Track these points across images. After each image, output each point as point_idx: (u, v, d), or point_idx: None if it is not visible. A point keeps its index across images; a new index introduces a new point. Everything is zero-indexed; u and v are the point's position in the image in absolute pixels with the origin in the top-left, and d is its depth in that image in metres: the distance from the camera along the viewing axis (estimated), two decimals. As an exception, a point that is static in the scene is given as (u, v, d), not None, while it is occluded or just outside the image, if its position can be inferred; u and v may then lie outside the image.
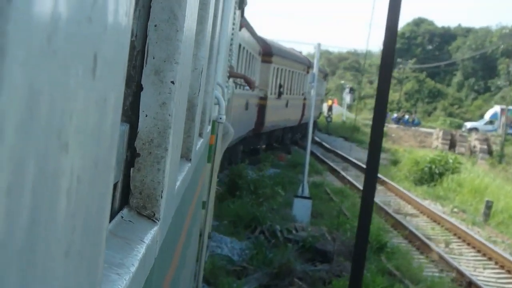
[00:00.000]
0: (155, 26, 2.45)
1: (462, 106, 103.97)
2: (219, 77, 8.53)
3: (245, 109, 26.55)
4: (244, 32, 24.50)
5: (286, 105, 38.31)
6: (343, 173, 34.56)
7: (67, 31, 0.85)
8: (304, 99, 44.36)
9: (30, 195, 0.78)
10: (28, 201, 0.78)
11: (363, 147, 48.10)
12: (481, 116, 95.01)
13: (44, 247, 0.87)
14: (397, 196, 30.07)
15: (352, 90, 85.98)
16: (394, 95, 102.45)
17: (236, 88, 22.41)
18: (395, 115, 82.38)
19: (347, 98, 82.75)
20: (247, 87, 25.20)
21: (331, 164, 37.60)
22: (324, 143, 51.15)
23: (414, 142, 65.22)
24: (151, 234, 2.29)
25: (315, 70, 23.38)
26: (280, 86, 36.01)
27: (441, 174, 35.15)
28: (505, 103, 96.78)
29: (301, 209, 20.79)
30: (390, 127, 71.89)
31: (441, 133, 63.75)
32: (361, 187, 25.50)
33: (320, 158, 39.97)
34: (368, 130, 68.37)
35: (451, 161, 36.31)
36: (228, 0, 9.14)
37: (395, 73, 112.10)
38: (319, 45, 23.07)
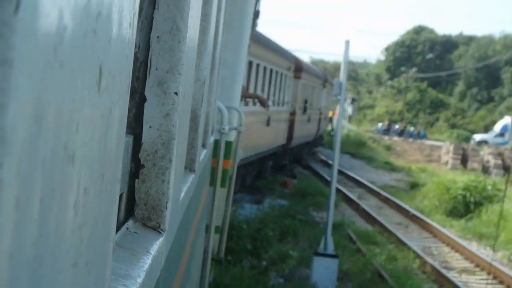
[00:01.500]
0: (158, 37, 2.46)
1: (465, 117, 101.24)
2: (236, 101, 8.49)
3: (267, 125, 26.52)
4: (271, 46, 24.77)
5: (308, 120, 38.12)
6: (363, 205, 27.98)
7: (72, 43, 0.85)
8: (320, 113, 44.47)
9: (38, 207, 0.78)
10: (36, 214, 0.78)
11: (374, 166, 45.48)
12: (485, 127, 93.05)
13: (52, 259, 0.87)
14: (436, 238, 23.86)
15: (354, 100, 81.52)
16: (395, 106, 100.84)
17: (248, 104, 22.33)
18: (396, 126, 78.88)
19: (349, 109, 78.18)
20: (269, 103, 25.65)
21: (344, 190, 30.88)
22: (330, 162, 44.80)
23: (421, 157, 61.68)
24: (157, 245, 2.29)
25: (342, 77, 16.29)
26: (306, 101, 36.35)
27: (478, 204, 29.16)
28: (510, 114, 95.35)
29: (324, 272, 15.98)
30: (394, 140, 69.22)
31: (451, 147, 58.76)
32: (392, 229, 22.64)
33: (327, 180, 31.72)
34: (374, 144, 63.54)
35: (489, 187, 30.28)
36: (245, 22, 9.10)
37: (395, 83, 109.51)
38: (347, 43, 14.67)
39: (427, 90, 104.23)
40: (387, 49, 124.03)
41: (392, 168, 46.14)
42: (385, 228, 23.38)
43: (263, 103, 14.08)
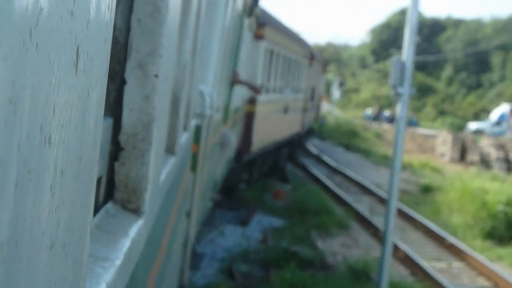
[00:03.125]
0: (138, 20, 2.45)
1: (454, 103, 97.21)
2: (208, 86, 8.43)
3: (284, 113, 26.46)
4: (291, 35, 24.82)
5: (313, 107, 37.78)
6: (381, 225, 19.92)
7: (49, 25, 0.85)
8: (319, 100, 43.66)
9: (13, 189, 0.79)
10: (11, 195, 0.78)
11: (373, 162, 39.75)
12: (475, 114, 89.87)
13: (28, 241, 0.87)
14: (488, 281, 17.01)
15: (342, 83, 74.32)
16: (382, 90, 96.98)
17: (267, 93, 22.15)
18: (387, 113, 72.90)
19: (337, 93, 71.23)
20: (288, 90, 25.68)
21: (351, 200, 23.62)
22: (323, 157, 37.62)
23: (413, 146, 56.71)
24: (136, 228, 2.30)
25: (407, 53, 12.53)
26: (313, 89, 36.24)
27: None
28: (502, 100, 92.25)
29: None
30: (384, 127, 64.24)
31: (450, 138, 52.74)
32: (433, 272, 15.61)
33: (329, 187, 26.12)
34: (367, 134, 57.70)
35: None
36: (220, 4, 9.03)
37: (380, 66, 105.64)
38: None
39: (414, 74, 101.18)
40: (372, 31, 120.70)
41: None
42: (421, 270, 16.47)
43: (255, 89, 13.92)
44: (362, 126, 61.78)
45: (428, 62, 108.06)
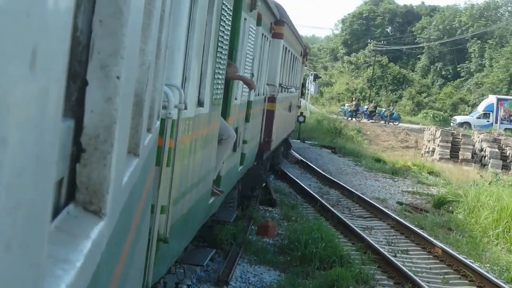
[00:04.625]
0: (100, 21, 2.44)
1: (430, 94, 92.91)
2: (176, 79, 8.44)
3: (289, 111, 26.41)
4: (294, 31, 24.71)
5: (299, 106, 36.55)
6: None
7: (4, 24, 0.85)
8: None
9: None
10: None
11: (367, 168, 34.40)
12: (454, 106, 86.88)
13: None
14: None
15: (317, 77, 68.67)
16: (356, 82, 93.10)
17: (281, 91, 22.11)
18: (365, 107, 68.34)
19: (312, 88, 64.36)
20: (292, 89, 25.50)
21: (360, 231, 17.95)
22: (308, 162, 31.41)
23: (395, 142, 53.22)
24: (98, 229, 2.29)
25: None
26: (303, 85, 35.83)
27: None
28: (481, 91, 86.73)
29: None
30: (364, 122, 61.32)
31: (438, 133, 47.80)
32: None
33: (325, 207, 20.55)
34: (352, 132, 52.74)
35: None
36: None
37: (352, 58, 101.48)
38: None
39: (389, 65, 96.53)
40: (343, 21, 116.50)
41: (391, 170, 34.40)
42: None
43: (250, 85, 13.84)
44: (341, 123, 56.76)
45: (402, 52, 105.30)
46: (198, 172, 10.32)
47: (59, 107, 1.30)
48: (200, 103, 9.74)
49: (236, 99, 13.56)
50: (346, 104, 70.72)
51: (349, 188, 24.71)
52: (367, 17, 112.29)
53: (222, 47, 11.04)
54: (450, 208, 23.74)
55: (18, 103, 0.96)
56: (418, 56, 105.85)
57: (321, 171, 29.29)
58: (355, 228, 18.06)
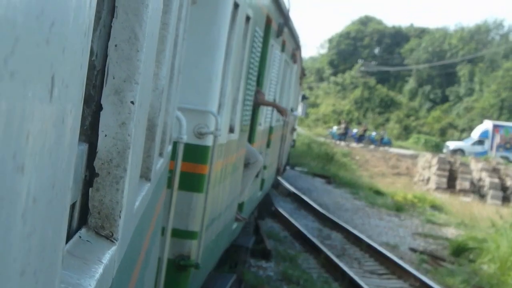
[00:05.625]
0: (116, 46, 2.46)
1: (418, 118, 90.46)
2: (213, 105, 8.51)
3: (291, 133, 26.28)
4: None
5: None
6: None
7: (24, 53, 0.86)
8: None
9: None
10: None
11: (367, 202, 30.79)
12: (442, 130, 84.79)
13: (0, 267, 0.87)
14: None
15: (305, 98, 68.01)
16: (343, 104, 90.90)
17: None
18: (354, 130, 65.87)
19: (300, 109, 62.03)
20: (295, 112, 25.25)
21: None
22: (302, 196, 27.45)
23: (386, 168, 50.10)
24: (109, 254, 2.29)
25: None
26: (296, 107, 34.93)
27: None
28: (470, 115, 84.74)
29: None
30: (353, 146, 58.85)
31: (434, 161, 45.35)
32: None
33: (330, 260, 16.63)
34: (344, 159, 48.99)
35: None
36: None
37: (339, 78, 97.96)
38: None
39: (376, 87, 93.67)
40: (330, 40, 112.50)
41: (395, 206, 30.56)
42: None
43: (282, 112, 13.79)
44: (333, 148, 53.74)
45: (390, 74, 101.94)
46: (227, 198, 10.38)
47: (75, 134, 1.31)
48: (231, 129, 9.78)
49: (260, 124, 13.62)
50: (335, 127, 69.08)
51: (354, 232, 20.87)
52: (354, 37, 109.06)
53: (252, 73, 11.11)
54: (471, 256, 20.48)
55: (36, 131, 0.96)
56: (406, 79, 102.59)
57: (318, 208, 25.23)
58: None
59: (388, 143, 63.59)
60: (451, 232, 25.22)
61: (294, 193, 27.83)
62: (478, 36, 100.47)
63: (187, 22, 6.09)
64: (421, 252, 20.17)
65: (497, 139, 63.52)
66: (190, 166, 8.11)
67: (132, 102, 2.44)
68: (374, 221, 25.59)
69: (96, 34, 2.38)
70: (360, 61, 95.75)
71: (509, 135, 63.95)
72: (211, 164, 8.39)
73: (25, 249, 1.00)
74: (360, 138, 63.42)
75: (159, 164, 4.60)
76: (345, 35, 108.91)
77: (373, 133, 66.22)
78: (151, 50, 2.85)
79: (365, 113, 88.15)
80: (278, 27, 14.14)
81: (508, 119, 75.96)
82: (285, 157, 25.97)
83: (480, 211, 31.86)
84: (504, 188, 41.47)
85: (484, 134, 64.94)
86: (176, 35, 4.82)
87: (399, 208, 29.94)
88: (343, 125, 66.10)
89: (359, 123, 72.92)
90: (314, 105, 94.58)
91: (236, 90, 9.81)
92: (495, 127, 64.89)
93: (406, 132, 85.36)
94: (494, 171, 43.88)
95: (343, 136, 63.61)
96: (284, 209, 23.34)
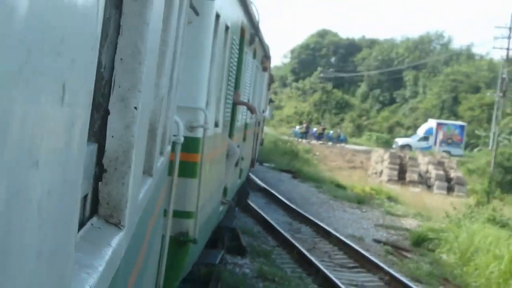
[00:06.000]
0: (121, 59, 2.44)
1: (369, 118, 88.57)
2: (201, 102, 8.57)
3: (261, 132, 26.05)
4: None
5: None
6: None
7: (37, 63, 0.85)
8: None
9: (3, 206, 0.77)
10: (2, 211, 0.77)
11: (331, 195, 28.87)
12: (390, 128, 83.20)
13: (18, 251, 0.86)
14: None
15: (271, 101, 63.90)
16: (303, 106, 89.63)
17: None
18: (314, 129, 64.31)
19: (267, 111, 57.83)
20: (265, 113, 25.07)
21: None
22: (273, 191, 25.71)
23: (342, 162, 49.22)
24: (117, 239, 2.28)
25: None
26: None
27: None
28: (415, 115, 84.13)
29: None
30: (313, 143, 57.01)
31: (386, 155, 44.39)
32: None
33: (303, 255, 15.09)
34: (307, 155, 47.66)
35: None
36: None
37: (300, 84, 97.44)
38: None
39: (333, 91, 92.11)
40: (292, 51, 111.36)
41: (357, 199, 28.77)
42: None
43: (252, 110, 13.92)
44: (297, 146, 51.66)
45: (344, 80, 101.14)
46: (215, 184, 10.47)
47: (84, 135, 1.29)
48: (216, 124, 9.85)
49: (238, 121, 13.67)
50: (297, 127, 67.13)
51: (322, 225, 19.01)
52: (313, 48, 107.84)
53: (231, 75, 11.18)
54: (430, 246, 19.20)
55: (49, 132, 0.95)
56: (359, 84, 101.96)
57: (287, 202, 23.43)
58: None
59: (344, 140, 62.14)
60: (409, 223, 23.89)
61: (265, 188, 26.12)
62: (421, 46, 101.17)
63: (184, 39, 6.09)
64: (385, 243, 18.71)
65: (440, 136, 62.62)
66: (184, 155, 8.13)
67: (136, 108, 2.43)
68: (339, 214, 23.95)
69: (104, 49, 2.36)
70: (318, 69, 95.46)
71: (451, 132, 63.19)
72: (202, 153, 8.45)
73: (41, 235, 0.99)
74: (319, 136, 61.82)
75: (160, 162, 4.59)
76: (305, 46, 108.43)
77: (331, 132, 64.79)
78: (152, 63, 2.84)
79: (323, 114, 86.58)
80: (250, 36, 14.23)
81: (448, 118, 75.37)
82: (257, 153, 25.68)
83: (429, 201, 31.06)
84: (448, 179, 41.13)
85: (429, 131, 63.90)
86: (175, 50, 4.80)
87: (360, 201, 28.20)
88: (304, 125, 64.61)
89: (318, 123, 71.09)
90: (278, 107, 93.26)
91: (219, 90, 9.89)
92: (439, 125, 64.17)
93: (359, 130, 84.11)
94: (439, 164, 43.54)
95: (305, 134, 61.82)
96: (256, 203, 21.62)
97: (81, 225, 2.15)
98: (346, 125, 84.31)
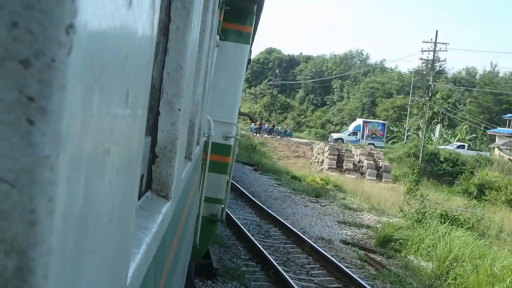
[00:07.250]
0: (168, 73, 2.44)
1: (306, 117, 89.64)
2: (235, 119, 8.62)
3: None
4: None
5: None
6: None
7: (108, 75, 0.84)
8: None
9: (83, 183, 0.77)
10: (82, 187, 0.76)
11: (291, 188, 25.60)
12: (322, 125, 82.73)
13: (93, 217, 0.85)
14: None
15: None
16: (255, 107, 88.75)
17: None
18: (266, 125, 61.86)
19: None
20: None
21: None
22: (238, 186, 22.29)
23: (289, 152, 48.11)
24: (166, 208, 2.28)
25: None
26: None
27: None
28: (340, 115, 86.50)
29: None
30: (265, 137, 55.28)
31: (326, 148, 42.16)
32: None
33: (281, 275, 10.20)
34: (264, 148, 45.66)
35: None
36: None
37: (252, 90, 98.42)
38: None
39: (278, 95, 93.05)
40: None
41: (314, 192, 25.42)
42: None
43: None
44: (256, 140, 49.08)
45: (287, 87, 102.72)
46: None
47: (142, 130, 1.29)
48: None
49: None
50: (252, 124, 63.52)
51: (295, 231, 15.01)
52: (263, 62, 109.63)
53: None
54: (396, 245, 15.86)
55: (117, 126, 0.94)
56: (297, 90, 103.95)
57: (254, 199, 19.59)
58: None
59: (290, 135, 59.57)
60: (367, 218, 20.57)
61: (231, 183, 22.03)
62: (346, 61, 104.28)
63: (214, 58, 6.06)
64: (353, 245, 15.37)
65: (366, 131, 60.82)
66: (220, 157, 8.31)
67: (179, 110, 2.43)
68: (301, 209, 20.32)
69: (155, 66, 2.36)
70: (267, 78, 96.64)
71: (374, 128, 61.53)
72: (232, 157, 8.51)
73: (110, 205, 0.98)
74: (270, 131, 59.53)
75: (197, 150, 4.59)
76: (256, 61, 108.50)
77: (279, 127, 62.18)
78: (191, 76, 2.83)
79: (271, 114, 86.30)
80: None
81: (367, 117, 75.29)
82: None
83: (366, 187, 28.80)
84: (377, 168, 39.42)
85: (357, 128, 62.00)
86: (206, 66, 4.79)
87: (317, 195, 24.82)
88: (258, 122, 61.67)
89: (267, 121, 69.51)
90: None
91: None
92: (365, 122, 62.52)
93: (298, 126, 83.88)
94: (370, 155, 41.77)
95: (258, 130, 59.21)
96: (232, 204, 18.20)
97: (139, 197, 2.15)
98: (288, 122, 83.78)
